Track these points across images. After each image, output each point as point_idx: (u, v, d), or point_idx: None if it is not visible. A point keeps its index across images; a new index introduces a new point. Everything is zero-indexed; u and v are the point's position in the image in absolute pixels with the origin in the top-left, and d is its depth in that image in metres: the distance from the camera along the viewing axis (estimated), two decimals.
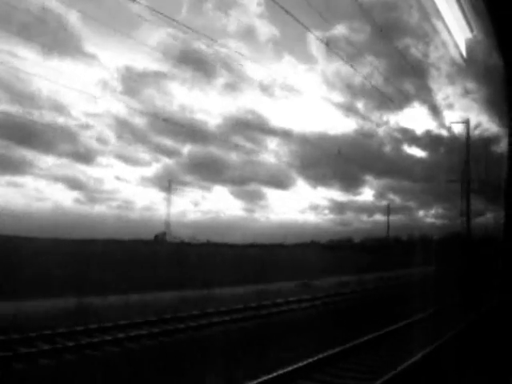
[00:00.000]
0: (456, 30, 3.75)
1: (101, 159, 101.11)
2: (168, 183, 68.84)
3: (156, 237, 64.01)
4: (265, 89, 78.60)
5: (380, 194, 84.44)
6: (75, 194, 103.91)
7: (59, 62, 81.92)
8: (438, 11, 3.69)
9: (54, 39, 73.12)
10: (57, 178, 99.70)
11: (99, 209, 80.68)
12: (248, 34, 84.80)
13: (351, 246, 68.87)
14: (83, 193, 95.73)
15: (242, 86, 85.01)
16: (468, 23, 3.52)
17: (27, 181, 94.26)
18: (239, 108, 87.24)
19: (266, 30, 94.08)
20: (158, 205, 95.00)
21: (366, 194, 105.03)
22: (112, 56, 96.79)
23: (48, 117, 63.59)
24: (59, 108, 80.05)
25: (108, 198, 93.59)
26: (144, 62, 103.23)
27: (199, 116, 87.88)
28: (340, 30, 70.52)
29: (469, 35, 3.64)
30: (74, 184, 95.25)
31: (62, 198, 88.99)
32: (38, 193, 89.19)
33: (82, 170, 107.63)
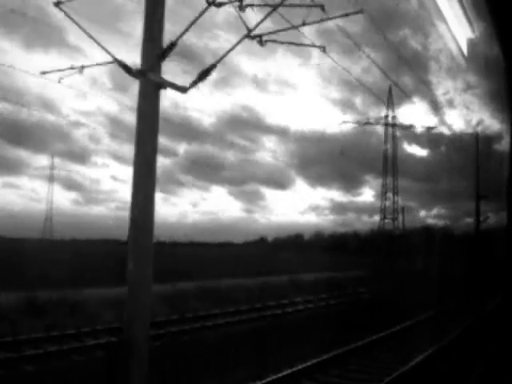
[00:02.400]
0: (457, 29, 3.67)
1: (95, 159, 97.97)
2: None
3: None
4: (258, 84, 77.40)
5: (380, 194, 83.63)
6: (73, 194, 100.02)
7: (43, 55, 78.13)
8: (439, 11, 3.61)
9: (36, 31, 69.15)
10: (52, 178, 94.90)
11: (98, 210, 77.44)
12: (238, 25, 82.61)
13: (301, 243, 67.05)
14: (80, 193, 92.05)
15: (234, 81, 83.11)
16: (469, 22, 3.44)
17: (23, 181, 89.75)
18: (233, 105, 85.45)
19: (255, 19, 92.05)
20: (158, 206, 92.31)
21: (367, 195, 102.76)
22: (97, 49, 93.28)
23: (38, 114, 59.76)
24: (49, 105, 76.87)
25: (105, 198, 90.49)
26: (131, 55, 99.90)
27: (193, 113, 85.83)
28: (335, 21, 69.32)
29: (470, 34, 3.56)
30: (70, 184, 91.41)
31: (60, 199, 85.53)
32: (36, 194, 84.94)
33: (77, 170, 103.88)
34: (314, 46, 7.26)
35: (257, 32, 5.86)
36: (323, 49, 7.26)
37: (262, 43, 6.16)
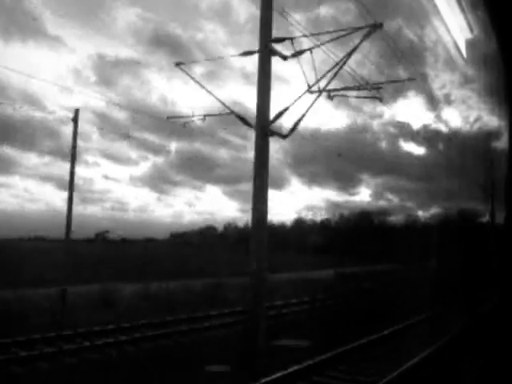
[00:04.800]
0: (455, 30, 4.05)
1: (86, 157, 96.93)
2: None
3: (97, 235, 60.65)
4: (247, 77, 76.15)
5: (377, 194, 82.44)
6: (65, 194, 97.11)
7: (22, 46, 76.42)
8: (437, 11, 3.98)
9: (12, 20, 66.74)
10: (45, 178, 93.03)
11: (92, 210, 76.16)
12: (223, 14, 79.19)
13: (215, 236, 64.72)
14: (74, 193, 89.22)
15: (222, 74, 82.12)
16: (467, 22, 3.72)
17: (15, 181, 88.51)
18: (223, 100, 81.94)
19: (243, 8, 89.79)
20: (152, 205, 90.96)
21: (363, 194, 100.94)
22: (79, 40, 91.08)
23: (22, 110, 58.01)
24: (33, 100, 75.28)
25: (99, 198, 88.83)
26: (114, 46, 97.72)
27: (182, 110, 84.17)
28: (325, 10, 67.96)
29: (468, 35, 3.88)
30: (62, 183, 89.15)
31: (54, 199, 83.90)
32: (29, 193, 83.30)
33: (68, 169, 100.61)
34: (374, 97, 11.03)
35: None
36: (380, 100, 11.12)
37: (331, 98, 10.61)
